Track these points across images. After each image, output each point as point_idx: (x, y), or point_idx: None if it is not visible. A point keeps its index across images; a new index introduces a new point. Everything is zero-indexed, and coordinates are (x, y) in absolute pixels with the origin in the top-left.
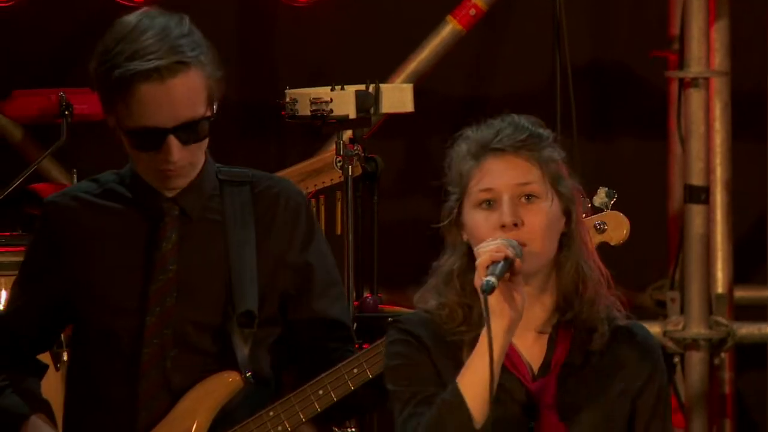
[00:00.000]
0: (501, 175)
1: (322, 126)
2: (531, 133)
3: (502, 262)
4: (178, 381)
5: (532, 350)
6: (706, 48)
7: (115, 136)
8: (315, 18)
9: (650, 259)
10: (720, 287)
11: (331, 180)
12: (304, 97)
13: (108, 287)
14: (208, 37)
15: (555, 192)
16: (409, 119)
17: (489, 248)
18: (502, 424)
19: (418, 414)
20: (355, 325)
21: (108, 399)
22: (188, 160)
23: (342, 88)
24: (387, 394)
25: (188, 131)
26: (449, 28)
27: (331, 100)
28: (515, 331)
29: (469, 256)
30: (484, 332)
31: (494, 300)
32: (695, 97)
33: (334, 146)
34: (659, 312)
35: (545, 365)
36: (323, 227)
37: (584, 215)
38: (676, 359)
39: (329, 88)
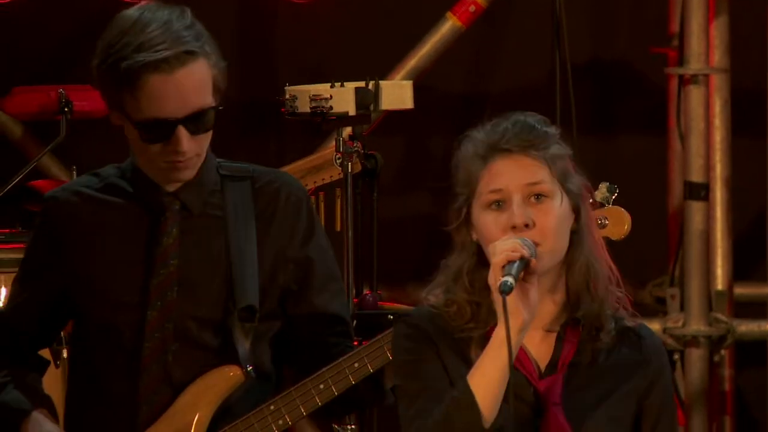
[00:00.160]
0: (510, 175)
1: (321, 123)
2: (538, 132)
3: (518, 262)
4: (179, 375)
5: (539, 349)
6: (705, 45)
7: (118, 132)
8: (315, 15)
9: (650, 256)
10: (720, 284)
11: (331, 177)
12: (303, 94)
13: (109, 282)
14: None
15: (564, 189)
16: (408, 116)
17: (505, 248)
18: (509, 421)
19: (427, 410)
20: (354, 322)
21: (109, 393)
22: (196, 151)
23: (342, 85)
24: (386, 390)
25: (197, 121)
26: (449, 25)
27: (331, 97)
28: (527, 330)
29: (479, 255)
30: (496, 331)
31: (509, 300)
32: (695, 93)
33: (333, 143)
34: (659, 309)
35: (552, 364)
36: (323, 224)
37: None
38: (676, 356)
39: (329, 84)
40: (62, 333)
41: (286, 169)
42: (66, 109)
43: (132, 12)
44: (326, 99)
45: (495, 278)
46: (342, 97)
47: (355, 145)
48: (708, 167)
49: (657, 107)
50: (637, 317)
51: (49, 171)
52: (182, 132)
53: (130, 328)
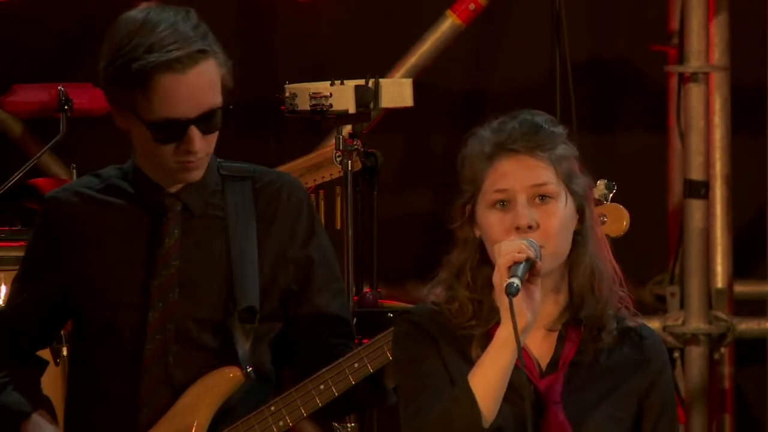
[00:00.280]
0: (515, 176)
1: (321, 121)
2: (545, 133)
3: (523, 264)
4: (180, 377)
5: (541, 347)
6: (705, 43)
7: (118, 130)
8: (314, 13)
9: (650, 254)
10: (720, 282)
11: (331, 175)
12: (303, 92)
13: (109, 282)
14: None
15: (568, 191)
16: (408, 114)
17: (511, 249)
18: (510, 421)
19: (426, 408)
20: (354, 320)
21: (109, 395)
22: (206, 150)
23: (341, 83)
24: (386, 390)
25: (208, 121)
26: (449, 23)
27: (331, 94)
28: (530, 331)
29: (481, 252)
30: (498, 331)
31: (514, 301)
32: (695, 91)
33: (333, 141)
34: (659, 307)
35: (553, 363)
36: (323, 222)
37: (593, 198)
38: (676, 354)
39: (329, 82)
40: (62, 331)
41: (285, 167)
42: (66, 107)
43: (137, 13)
44: (326, 97)
45: (500, 279)
46: (342, 95)
47: (355, 143)
48: (708, 165)
49: (657, 105)
50: (639, 317)
51: (48, 169)
52: (194, 132)
53: (131, 329)
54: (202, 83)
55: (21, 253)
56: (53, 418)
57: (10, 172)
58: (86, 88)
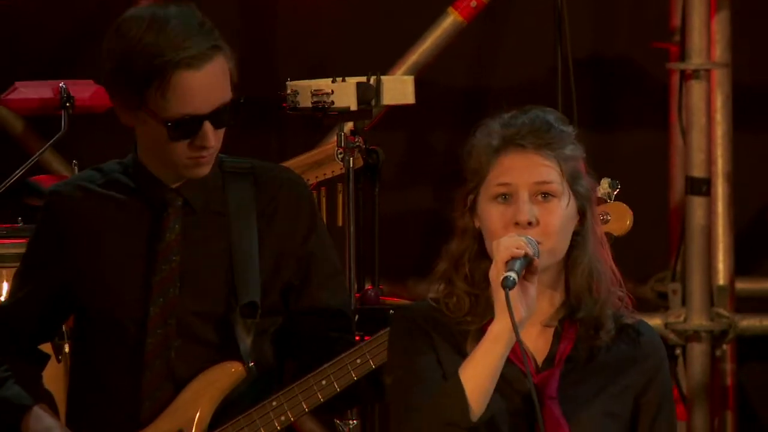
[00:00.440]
0: (520, 171)
1: (323, 118)
2: (554, 131)
3: (521, 259)
4: (182, 371)
5: (536, 343)
6: (707, 40)
7: (119, 126)
8: (316, 10)
9: (651, 252)
10: (721, 279)
11: (332, 172)
12: (305, 89)
13: (110, 277)
14: None
15: (571, 191)
16: (410, 111)
17: (510, 244)
18: (503, 415)
19: (416, 401)
20: (356, 317)
21: (111, 389)
22: (218, 146)
23: (343, 80)
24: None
25: (221, 116)
26: (450, 20)
27: (332, 91)
28: (523, 328)
29: (480, 244)
30: (491, 326)
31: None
32: (696, 88)
33: (335, 138)
34: (661, 304)
35: (549, 358)
36: (324, 219)
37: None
38: (678, 351)
39: (330, 79)
40: (64, 327)
41: (287, 164)
42: (67, 104)
43: (141, 12)
44: (328, 94)
45: (497, 273)
46: (343, 92)
47: (356, 140)
48: (709, 162)
49: (658, 102)
50: (637, 314)
51: (50, 166)
52: (208, 127)
53: (133, 323)
54: (215, 79)
55: (22, 250)
56: (54, 412)
57: (12, 170)
58: (88, 85)
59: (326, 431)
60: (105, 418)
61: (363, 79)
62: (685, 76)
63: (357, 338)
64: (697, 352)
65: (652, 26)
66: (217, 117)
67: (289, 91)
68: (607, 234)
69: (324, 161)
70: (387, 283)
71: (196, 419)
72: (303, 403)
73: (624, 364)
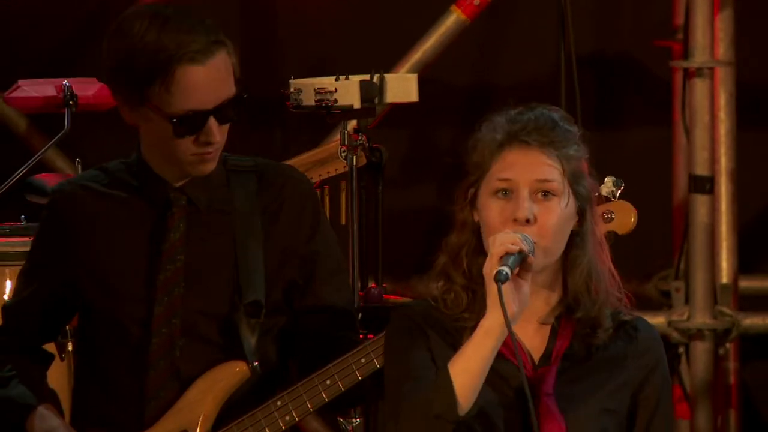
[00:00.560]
0: (522, 168)
1: (326, 116)
2: (559, 130)
3: (515, 255)
4: (187, 370)
5: (533, 340)
6: (710, 37)
7: (122, 125)
8: (319, 7)
9: (655, 250)
10: (724, 277)
11: (336, 170)
12: (308, 87)
13: (115, 276)
14: None
15: (572, 191)
16: (413, 109)
17: (505, 240)
18: (499, 412)
19: (406, 396)
20: (359, 315)
21: (116, 388)
22: (222, 141)
23: (346, 78)
24: None
25: (225, 111)
26: (453, 18)
27: (336, 90)
28: (515, 324)
29: (478, 238)
30: (482, 321)
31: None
32: (700, 86)
33: (338, 136)
34: (664, 302)
35: (546, 355)
36: (327, 217)
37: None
38: (681, 349)
39: (333, 78)
40: (67, 326)
41: (290, 162)
42: (71, 102)
43: (143, 10)
44: (331, 92)
45: (491, 267)
46: (347, 90)
47: (360, 138)
48: (713, 160)
49: (661, 100)
50: (636, 312)
51: (53, 164)
52: (213, 122)
53: (137, 323)
54: (219, 74)
55: (26, 249)
56: (59, 412)
57: (15, 168)
58: (91, 83)
59: (331, 430)
60: (109, 418)
61: (366, 77)
62: (688, 74)
63: (360, 336)
64: (700, 350)
65: (656, 24)
66: (221, 112)
67: (292, 90)
68: (612, 232)
69: (327, 159)
70: (390, 281)
71: (200, 419)
72: (307, 402)
73: (621, 360)
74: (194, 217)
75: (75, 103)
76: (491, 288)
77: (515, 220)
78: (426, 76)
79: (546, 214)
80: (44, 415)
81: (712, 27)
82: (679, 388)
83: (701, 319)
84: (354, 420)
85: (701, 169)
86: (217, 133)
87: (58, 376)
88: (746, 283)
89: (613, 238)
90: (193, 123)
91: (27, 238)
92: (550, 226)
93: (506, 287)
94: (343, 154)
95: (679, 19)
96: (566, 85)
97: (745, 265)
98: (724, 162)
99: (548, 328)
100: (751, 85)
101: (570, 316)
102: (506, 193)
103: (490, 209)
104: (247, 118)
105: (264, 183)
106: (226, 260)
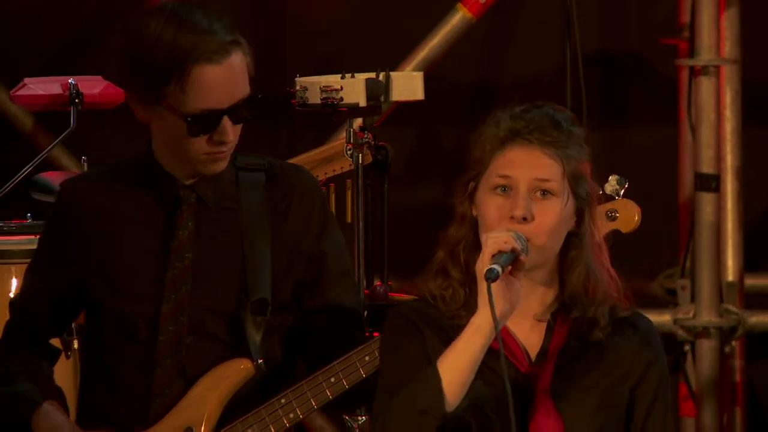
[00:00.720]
0: (522, 166)
1: (332, 114)
2: (562, 130)
3: (508, 254)
4: (193, 368)
5: (529, 337)
6: (716, 36)
7: (128, 122)
8: (325, 6)
9: (661, 248)
10: (730, 275)
11: (342, 168)
12: (314, 85)
13: (123, 273)
14: None
15: (571, 192)
16: (419, 107)
17: (498, 238)
18: (495, 408)
19: (396, 392)
20: (365, 313)
21: (122, 386)
22: (235, 141)
23: (352, 76)
24: None
25: (239, 111)
26: (459, 16)
27: (342, 88)
28: (505, 322)
29: (476, 232)
30: (472, 318)
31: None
32: (705, 84)
33: (344, 134)
34: (670, 300)
35: (543, 352)
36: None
37: (596, 203)
38: (687, 347)
39: (339, 76)
40: (73, 324)
41: (296, 160)
42: (76, 100)
43: (160, 9)
44: (337, 90)
45: (483, 265)
46: (353, 89)
47: (365, 136)
48: (718, 158)
49: (667, 98)
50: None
51: (59, 162)
52: (227, 122)
53: (144, 320)
54: (234, 73)
55: (32, 246)
56: (65, 409)
57: (21, 166)
58: (97, 81)
59: (336, 428)
60: (115, 415)
61: (372, 75)
62: (694, 73)
63: (366, 335)
64: (706, 348)
65: (661, 22)
66: (235, 112)
67: (298, 88)
68: (614, 231)
69: (333, 157)
70: (396, 279)
71: (204, 416)
72: (312, 400)
73: (618, 356)
74: (203, 215)
75: (81, 101)
76: (482, 286)
77: (512, 217)
78: (432, 74)
79: (543, 213)
80: (50, 412)
81: (717, 25)
82: (685, 386)
83: (707, 317)
84: (360, 418)
85: (707, 167)
86: (231, 132)
87: (63, 374)
88: (752, 281)
89: (612, 238)
90: (207, 122)
91: (33, 236)
92: (547, 225)
93: (497, 286)
94: (348, 152)
95: (685, 18)
96: (572, 83)
97: (751, 263)
98: (729, 160)
99: (544, 325)
100: (757, 83)
101: (566, 313)
102: (505, 189)
103: (488, 205)
104: (254, 116)
105: (273, 182)
106: (234, 258)
